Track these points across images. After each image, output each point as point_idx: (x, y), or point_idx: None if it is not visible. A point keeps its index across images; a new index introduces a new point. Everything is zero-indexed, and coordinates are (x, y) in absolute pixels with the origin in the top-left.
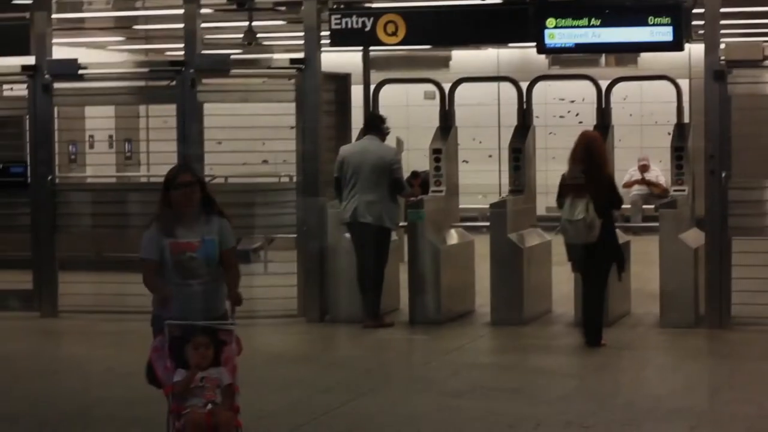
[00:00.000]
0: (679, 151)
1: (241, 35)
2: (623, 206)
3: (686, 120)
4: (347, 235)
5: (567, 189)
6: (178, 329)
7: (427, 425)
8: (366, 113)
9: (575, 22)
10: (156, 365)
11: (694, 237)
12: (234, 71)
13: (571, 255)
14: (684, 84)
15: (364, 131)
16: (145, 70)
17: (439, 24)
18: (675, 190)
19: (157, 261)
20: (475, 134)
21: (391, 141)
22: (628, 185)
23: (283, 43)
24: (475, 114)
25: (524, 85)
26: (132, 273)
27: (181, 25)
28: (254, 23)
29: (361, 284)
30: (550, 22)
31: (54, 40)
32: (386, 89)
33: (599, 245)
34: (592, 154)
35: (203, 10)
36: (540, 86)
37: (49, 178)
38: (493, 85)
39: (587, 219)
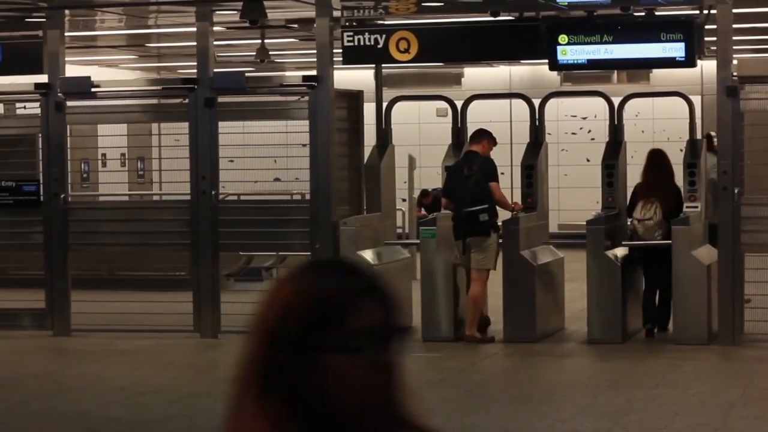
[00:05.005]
0: (691, 167)
1: (254, 53)
2: None
3: (698, 136)
4: None
5: (639, 195)
6: None
7: None
8: (378, 130)
9: (587, 39)
10: None
11: (707, 253)
12: (248, 89)
13: (637, 254)
14: (696, 100)
15: None
16: (158, 88)
17: (452, 41)
18: (687, 207)
19: None
20: None
21: (403, 159)
22: None
23: (295, 60)
24: None
25: (536, 102)
26: (145, 291)
27: (194, 43)
28: (267, 41)
29: None
30: (563, 38)
31: (67, 59)
32: (398, 106)
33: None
34: (662, 165)
35: (216, 28)
36: (552, 103)
37: (62, 196)
38: (506, 101)
39: (655, 219)
